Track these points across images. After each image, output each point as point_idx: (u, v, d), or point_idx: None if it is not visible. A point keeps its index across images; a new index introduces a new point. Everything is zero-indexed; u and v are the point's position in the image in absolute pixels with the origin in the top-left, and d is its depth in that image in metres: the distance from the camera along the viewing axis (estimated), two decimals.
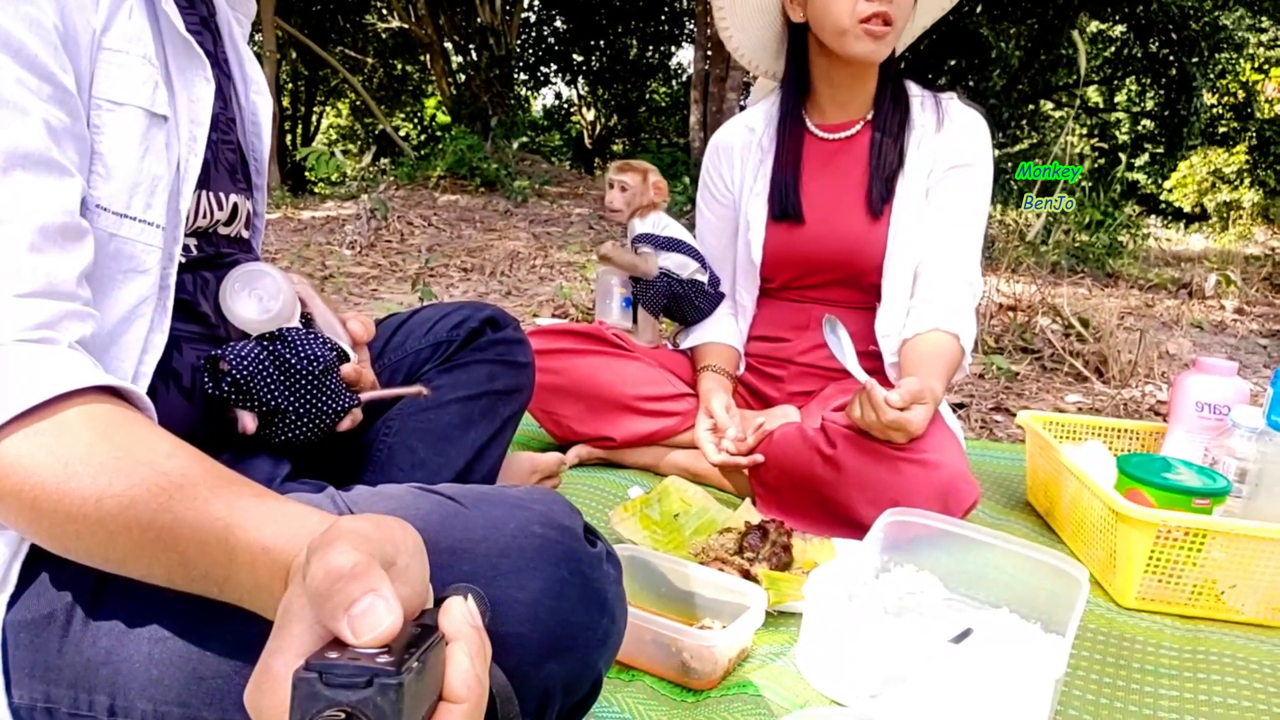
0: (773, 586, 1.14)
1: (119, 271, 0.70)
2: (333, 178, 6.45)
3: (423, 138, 13.13)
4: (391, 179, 7.06)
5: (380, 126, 10.96)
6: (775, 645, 1.07)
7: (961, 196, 1.51)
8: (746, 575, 1.21)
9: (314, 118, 15.41)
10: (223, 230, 0.88)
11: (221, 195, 0.85)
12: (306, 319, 0.96)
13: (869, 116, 1.56)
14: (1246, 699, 1.02)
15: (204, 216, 0.83)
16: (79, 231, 0.64)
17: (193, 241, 0.83)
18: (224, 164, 0.87)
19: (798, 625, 1.08)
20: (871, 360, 1.54)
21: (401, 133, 13.30)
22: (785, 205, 1.56)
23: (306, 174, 7.67)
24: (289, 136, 13.67)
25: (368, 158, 8.75)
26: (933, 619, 1.12)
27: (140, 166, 0.70)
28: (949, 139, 1.51)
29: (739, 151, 1.64)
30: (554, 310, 3.44)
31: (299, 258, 4.05)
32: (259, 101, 0.96)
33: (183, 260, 0.79)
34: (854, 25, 1.41)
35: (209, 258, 0.86)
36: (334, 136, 16.62)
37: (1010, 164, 9.18)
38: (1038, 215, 4.48)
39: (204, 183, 0.81)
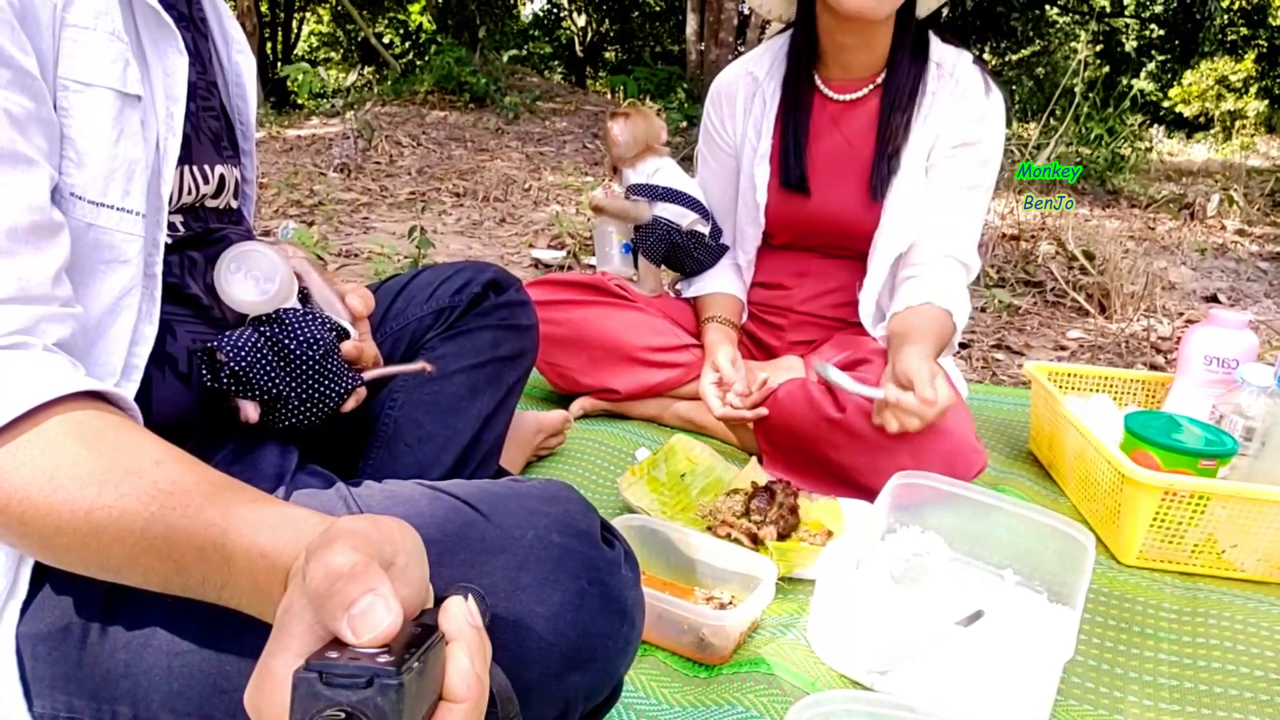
0: (782, 559, 1.14)
1: (100, 262, 0.66)
2: (316, 89, 6.24)
3: (407, 46, 12.62)
4: (377, 93, 6.83)
5: (363, 34, 10.53)
6: (785, 615, 1.08)
7: (966, 176, 1.44)
8: (754, 539, 1.22)
9: (294, 24, 14.77)
10: (210, 204, 0.83)
11: (206, 168, 0.81)
12: (303, 296, 0.93)
13: (880, 80, 1.46)
14: (1244, 664, 1.04)
15: (188, 193, 0.79)
16: (52, 227, 0.60)
17: (179, 219, 0.79)
18: (207, 134, 0.82)
19: (807, 594, 1.09)
20: (851, 309, 1.55)
21: (385, 40, 12.78)
22: (791, 175, 1.50)
23: (289, 84, 7.39)
24: (269, 45, 13.13)
25: (353, 75, 8.44)
26: (939, 584, 1.13)
27: (115, 151, 0.66)
28: (960, 117, 1.42)
29: (742, 102, 1.56)
30: (550, 241, 3.37)
31: (287, 184, 3.94)
32: (242, 61, 0.91)
33: (169, 241, 0.75)
34: None
35: (197, 235, 0.82)
36: (315, 44, 15.97)
37: (1015, 73, 8.93)
38: (1044, 136, 4.38)
39: (185, 158, 0.77)
